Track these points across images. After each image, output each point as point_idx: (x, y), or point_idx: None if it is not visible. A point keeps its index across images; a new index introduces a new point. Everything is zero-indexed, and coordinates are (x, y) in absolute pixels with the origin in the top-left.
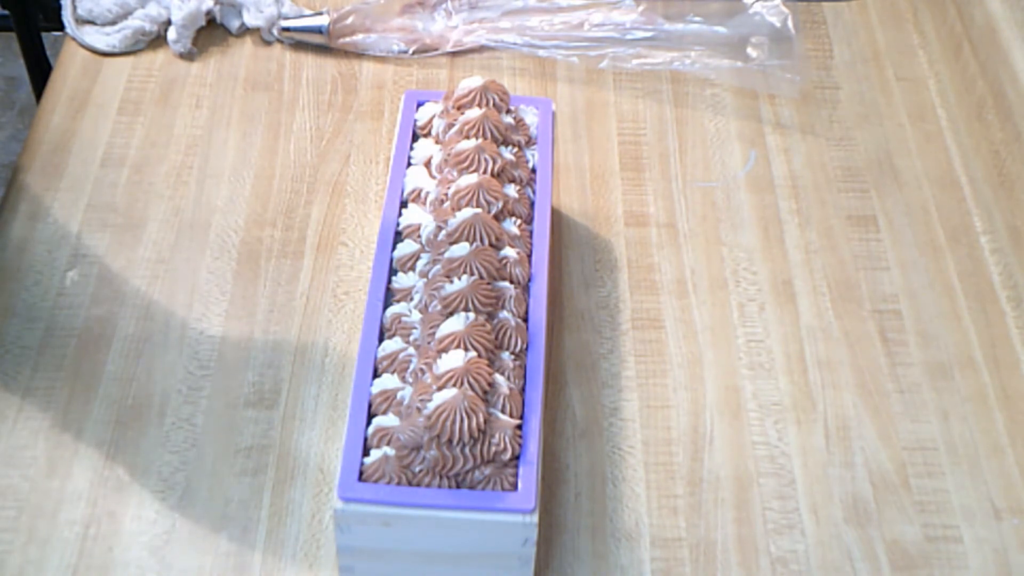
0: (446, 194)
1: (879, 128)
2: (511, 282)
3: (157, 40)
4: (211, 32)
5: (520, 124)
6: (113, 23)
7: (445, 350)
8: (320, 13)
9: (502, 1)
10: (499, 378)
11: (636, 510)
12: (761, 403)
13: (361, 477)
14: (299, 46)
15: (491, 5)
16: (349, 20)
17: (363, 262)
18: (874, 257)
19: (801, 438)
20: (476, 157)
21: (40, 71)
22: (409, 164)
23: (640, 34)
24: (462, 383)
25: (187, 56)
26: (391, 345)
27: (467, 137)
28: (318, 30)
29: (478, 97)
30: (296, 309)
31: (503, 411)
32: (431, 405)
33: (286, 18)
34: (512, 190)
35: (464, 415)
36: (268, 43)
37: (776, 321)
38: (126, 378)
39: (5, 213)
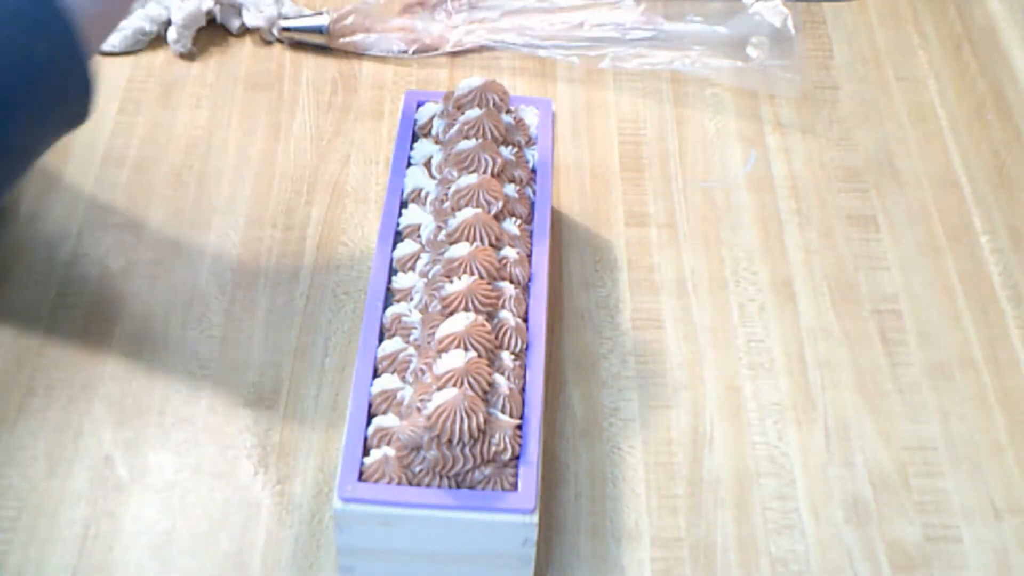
0: (446, 194)
1: (879, 128)
2: (511, 282)
3: (157, 40)
4: (211, 32)
5: (520, 124)
6: None
7: (445, 350)
8: (320, 13)
9: (502, 1)
10: (499, 378)
11: (636, 510)
12: (761, 403)
13: (361, 477)
14: (299, 46)
15: (491, 5)
16: (349, 20)
17: (363, 262)
18: (874, 257)
19: (801, 438)
20: (476, 157)
21: None
22: (409, 164)
23: (640, 34)
24: (462, 383)
25: (187, 56)
26: (391, 345)
27: (467, 137)
28: (318, 30)
29: (478, 97)
30: (296, 309)
31: (503, 411)
32: (431, 405)
33: (286, 18)
34: (512, 190)
35: (464, 415)
36: (268, 43)
37: (776, 321)
38: (126, 378)
39: (5, 213)
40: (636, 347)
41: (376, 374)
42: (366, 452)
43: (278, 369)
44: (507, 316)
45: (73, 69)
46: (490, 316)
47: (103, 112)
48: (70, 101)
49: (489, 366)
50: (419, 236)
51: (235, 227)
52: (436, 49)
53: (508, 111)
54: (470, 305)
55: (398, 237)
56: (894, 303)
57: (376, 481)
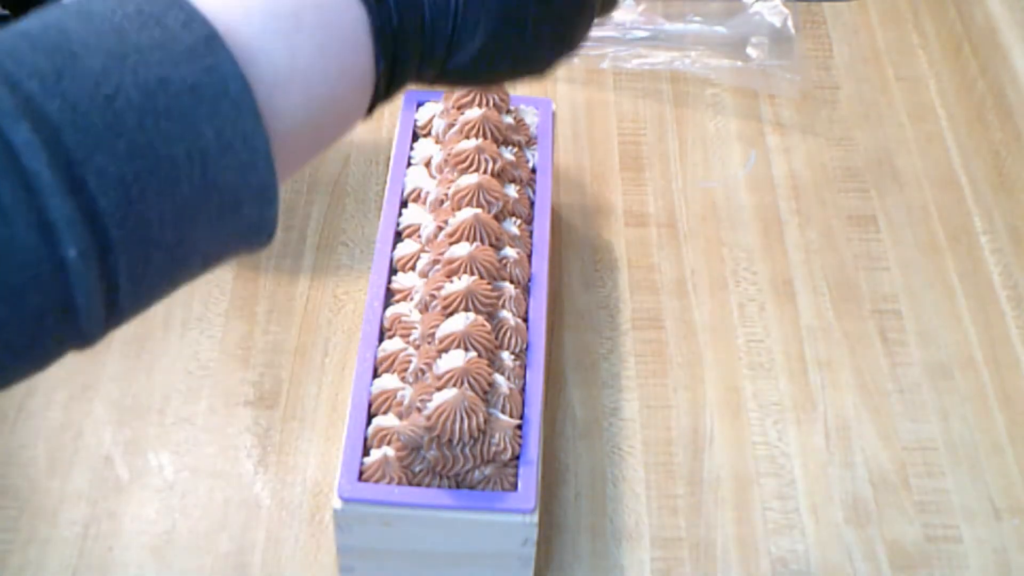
0: (446, 194)
1: (879, 128)
2: (511, 282)
3: None
4: None
5: (520, 124)
6: None
7: (445, 350)
8: None
9: None
10: (499, 378)
11: (636, 510)
12: (761, 403)
13: (361, 477)
14: None
15: None
16: None
17: (363, 262)
18: (874, 257)
19: (801, 438)
20: (476, 157)
21: None
22: (409, 164)
23: (640, 34)
24: (462, 383)
25: None
26: (391, 345)
27: (467, 137)
28: None
29: (478, 97)
30: (296, 309)
31: (503, 411)
32: (431, 405)
33: None
34: (512, 190)
35: (464, 415)
36: None
37: (776, 321)
38: (126, 378)
39: None
40: (636, 347)
41: (376, 374)
42: (366, 452)
43: (278, 369)
44: (507, 316)
45: (251, 166)
46: (490, 316)
47: None
48: (242, 209)
49: (489, 366)
50: (419, 236)
51: None
52: None
53: (508, 111)
54: (470, 305)
55: (398, 237)
56: (894, 303)
57: (376, 481)
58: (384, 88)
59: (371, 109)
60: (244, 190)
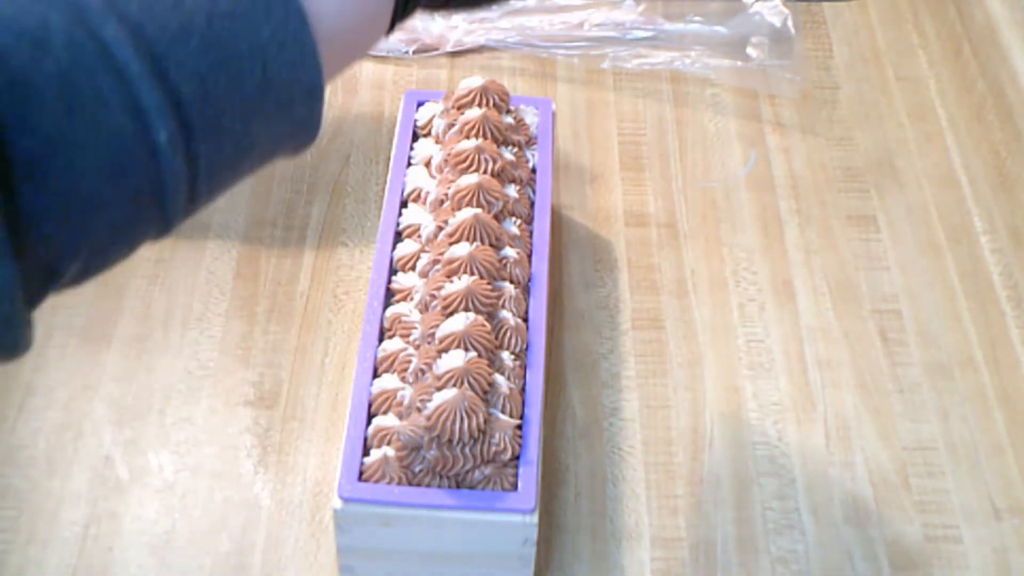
0: (446, 194)
1: (879, 128)
2: (511, 282)
3: None
4: None
5: (520, 124)
6: None
7: (445, 350)
8: None
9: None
10: (499, 378)
11: (636, 510)
12: (761, 403)
13: (361, 477)
14: None
15: None
16: None
17: (363, 262)
18: (874, 257)
19: (801, 438)
20: (476, 157)
21: None
22: (409, 164)
23: (640, 34)
24: (462, 383)
25: None
26: (391, 345)
27: (467, 137)
28: None
29: (478, 97)
30: (296, 309)
31: (503, 411)
32: (431, 405)
33: None
34: (512, 190)
35: (464, 415)
36: None
37: (776, 321)
38: (126, 378)
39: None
40: (636, 347)
41: (376, 374)
42: (366, 452)
43: (278, 369)
44: (507, 316)
45: (301, 63)
46: (490, 316)
47: None
48: (294, 105)
49: (489, 366)
50: (419, 236)
51: (235, 227)
52: (436, 49)
53: (508, 111)
54: (470, 305)
55: (398, 237)
56: (894, 303)
57: (376, 481)
58: (403, 2)
59: (392, 27)
60: (296, 87)
